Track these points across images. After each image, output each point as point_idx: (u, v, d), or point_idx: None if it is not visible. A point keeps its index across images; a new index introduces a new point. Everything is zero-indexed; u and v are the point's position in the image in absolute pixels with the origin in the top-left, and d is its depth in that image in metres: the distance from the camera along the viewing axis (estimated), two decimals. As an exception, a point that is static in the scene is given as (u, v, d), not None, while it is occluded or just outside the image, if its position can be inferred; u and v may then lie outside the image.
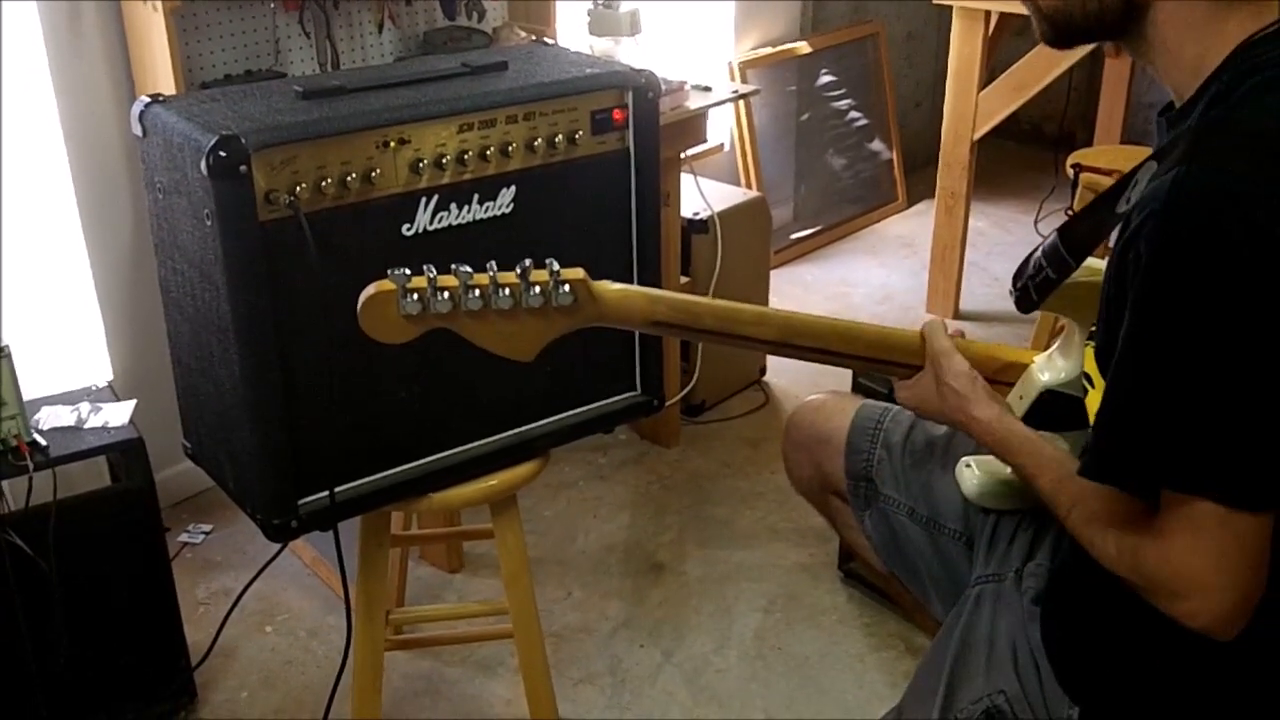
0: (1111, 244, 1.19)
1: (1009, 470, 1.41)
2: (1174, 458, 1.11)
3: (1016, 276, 1.37)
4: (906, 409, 1.53)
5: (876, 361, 1.52)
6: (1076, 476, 1.23)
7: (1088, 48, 3.27)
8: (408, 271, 1.28)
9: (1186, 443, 1.10)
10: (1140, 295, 1.10)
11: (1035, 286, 1.34)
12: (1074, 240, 1.28)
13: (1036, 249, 1.34)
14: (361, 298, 1.31)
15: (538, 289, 1.31)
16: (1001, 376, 1.50)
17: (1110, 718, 1.28)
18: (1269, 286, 1.05)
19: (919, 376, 1.47)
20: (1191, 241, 1.07)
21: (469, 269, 1.29)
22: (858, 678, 2.36)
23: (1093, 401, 1.26)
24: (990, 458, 1.46)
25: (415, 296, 1.28)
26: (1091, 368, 1.28)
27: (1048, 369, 1.44)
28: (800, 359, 1.51)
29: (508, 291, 1.30)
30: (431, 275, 1.28)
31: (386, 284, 1.30)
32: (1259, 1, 1.16)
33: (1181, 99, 1.22)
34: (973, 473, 1.53)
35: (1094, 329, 1.27)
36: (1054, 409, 1.43)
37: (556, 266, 1.31)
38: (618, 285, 1.39)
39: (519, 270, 1.30)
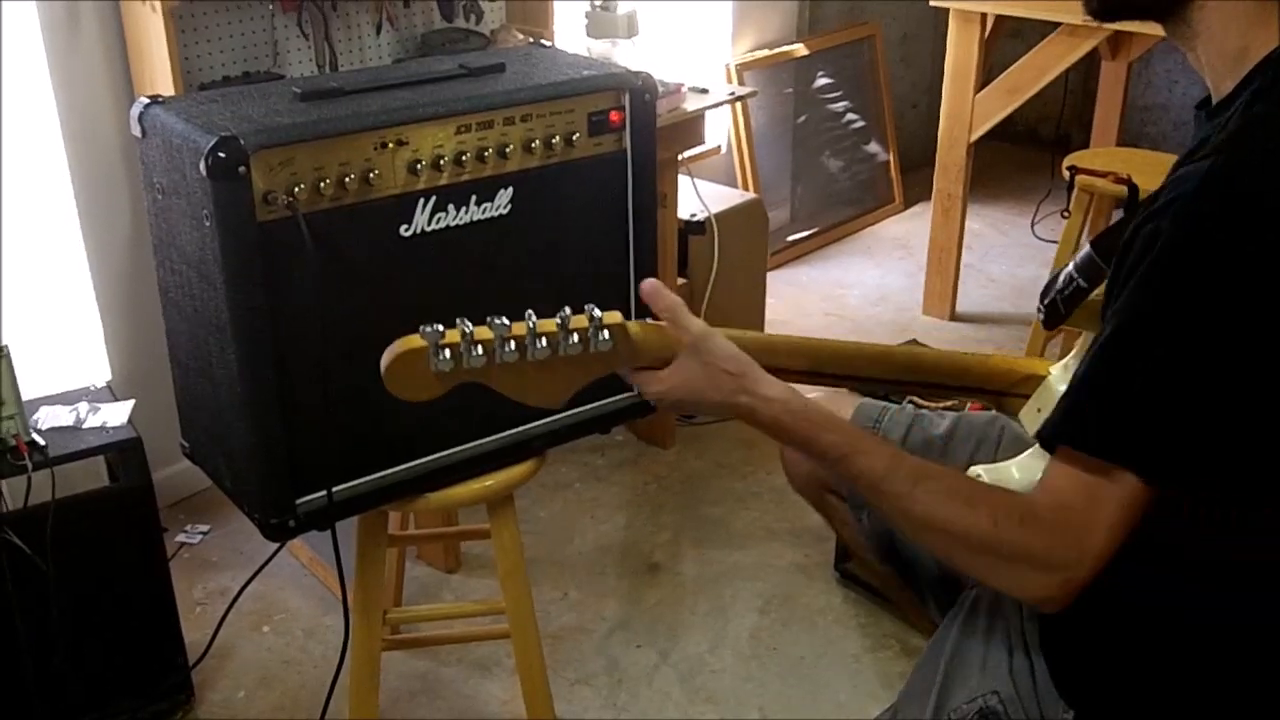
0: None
1: (1020, 477, 1.39)
2: (1136, 430, 1.11)
3: (1044, 293, 1.35)
4: (665, 404, 1.32)
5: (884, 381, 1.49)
6: (918, 459, 1.23)
7: (1086, 46, 3.28)
8: (440, 328, 1.19)
9: (1154, 419, 1.10)
10: (1154, 268, 1.09)
11: (1064, 299, 1.32)
12: (1108, 248, 1.26)
13: (1066, 264, 1.33)
14: (388, 356, 1.22)
15: (576, 336, 1.22)
16: (1018, 389, 1.47)
17: (1103, 717, 1.28)
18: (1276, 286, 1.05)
19: (675, 365, 1.28)
20: (1217, 227, 1.06)
21: (505, 320, 1.20)
22: (853, 677, 2.37)
23: None
24: (1002, 466, 1.40)
25: (448, 353, 1.20)
26: None
27: (1065, 379, 1.40)
28: (835, 386, 1.48)
29: (545, 342, 1.21)
30: (467, 329, 1.20)
31: (415, 340, 1.21)
32: None
33: (1219, 92, 1.21)
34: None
35: None
36: None
37: (598, 313, 1.23)
38: (650, 323, 1.30)
39: (559, 320, 1.22)
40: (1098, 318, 1.28)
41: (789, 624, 2.52)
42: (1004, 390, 1.45)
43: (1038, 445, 1.40)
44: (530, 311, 1.21)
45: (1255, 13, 1.17)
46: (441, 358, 1.19)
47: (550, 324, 1.21)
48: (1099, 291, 1.29)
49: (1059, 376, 1.42)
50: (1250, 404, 1.09)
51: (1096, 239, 1.30)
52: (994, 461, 1.62)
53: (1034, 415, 1.42)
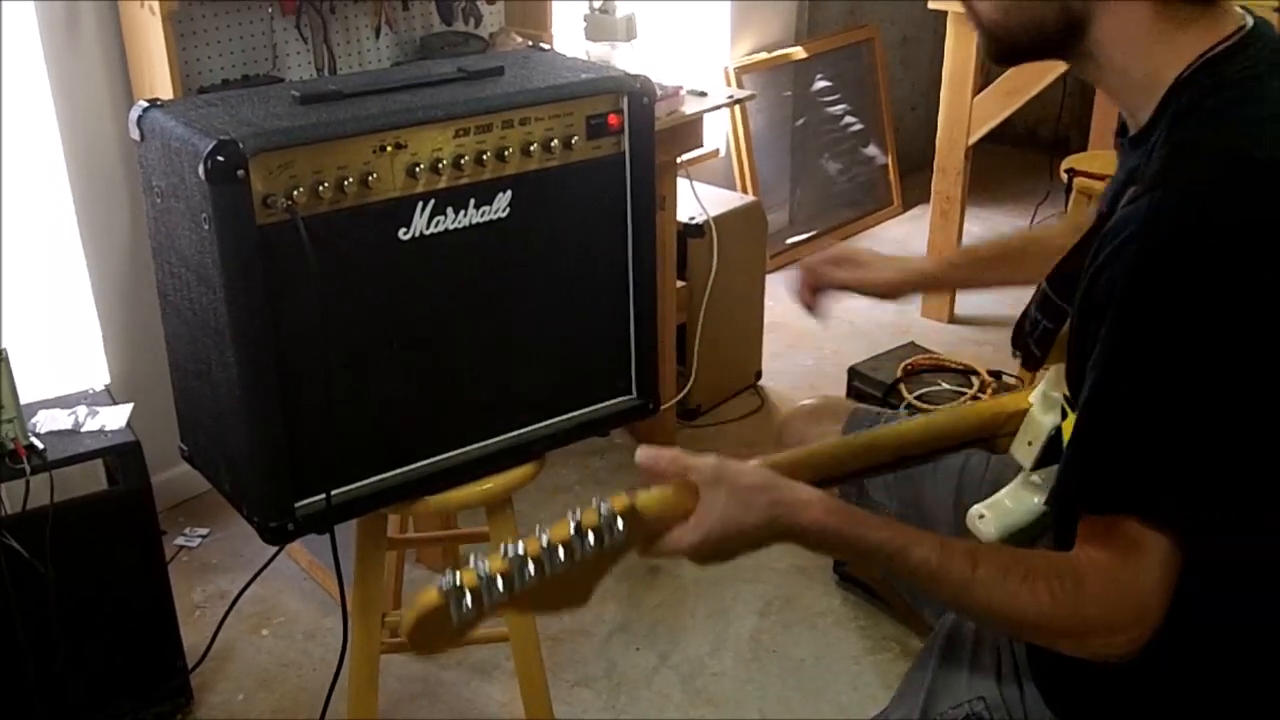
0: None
1: (1024, 511, 1.37)
2: (1154, 484, 1.10)
3: (1015, 337, 1.34)
4: (706, 552, 1.21)
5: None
6: (959, 539, 1.21)
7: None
8: (456, 577, 1.12)
9: (1168, 470, 1.09)
10: (1122, 321, 1.08)
11: (1036, 342, 1.30)
12: (1063, 285, 1.25)
13: (1029, 305, 1.31)
14: (408, 622, 1.14)
15: (592, 536, 1.16)
16: (1006, 428, 1.44)
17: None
18: (1250, 308, 1.04)
19: (702, 507, 1.20)
20: (1170, 265, 1.05)
21: (517, 545, 1.14)
22: (853, 680, 2.37)
23: (1068, 427, 1.22)
24: (997, 500, 1.39)
25: (469, 599, 1.12)
26: (1067, 391, 1.27)
27: (1049, 408, 1.38)
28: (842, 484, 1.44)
29: (562, 553, 1.15)
30: (482, 569, 1.12)
31: (431, 597, 1.12)
32: (1209, 17, 1.14)
33: (1137, 120, 1.20)
34: (988, 522, 1.41)
35: None
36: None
37: (605, 507, 1.17)
38: (655, 491, 1.22)
39: (572, 525, 1.16)
40: (1065, 349, 1.28)
41: (789, 626, 2.52)
42: (994, 434, 1.45)
43: (1025, 470, 1.40)
44: (538, 526, 1.16)
45: (1155, 39, 1.15)
46: (464, 608, 1.12)
47: (564, 530, 1.16)
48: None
49: (1040, 407, 1.40)
50: (1246, 426, 1.08)
51: (1051, 278, 1.27)
52: (985, 471, 1.63)
53: (1025, 449, 1.40)
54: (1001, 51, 1.26)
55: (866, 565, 1.25)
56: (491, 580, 1.12)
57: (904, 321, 3.92)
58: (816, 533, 1.20)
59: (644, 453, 1.23)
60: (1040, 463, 1.36)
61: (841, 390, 2.84)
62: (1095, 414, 1.11)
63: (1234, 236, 1.05)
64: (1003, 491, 1.40)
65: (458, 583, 1.12)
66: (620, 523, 1.17)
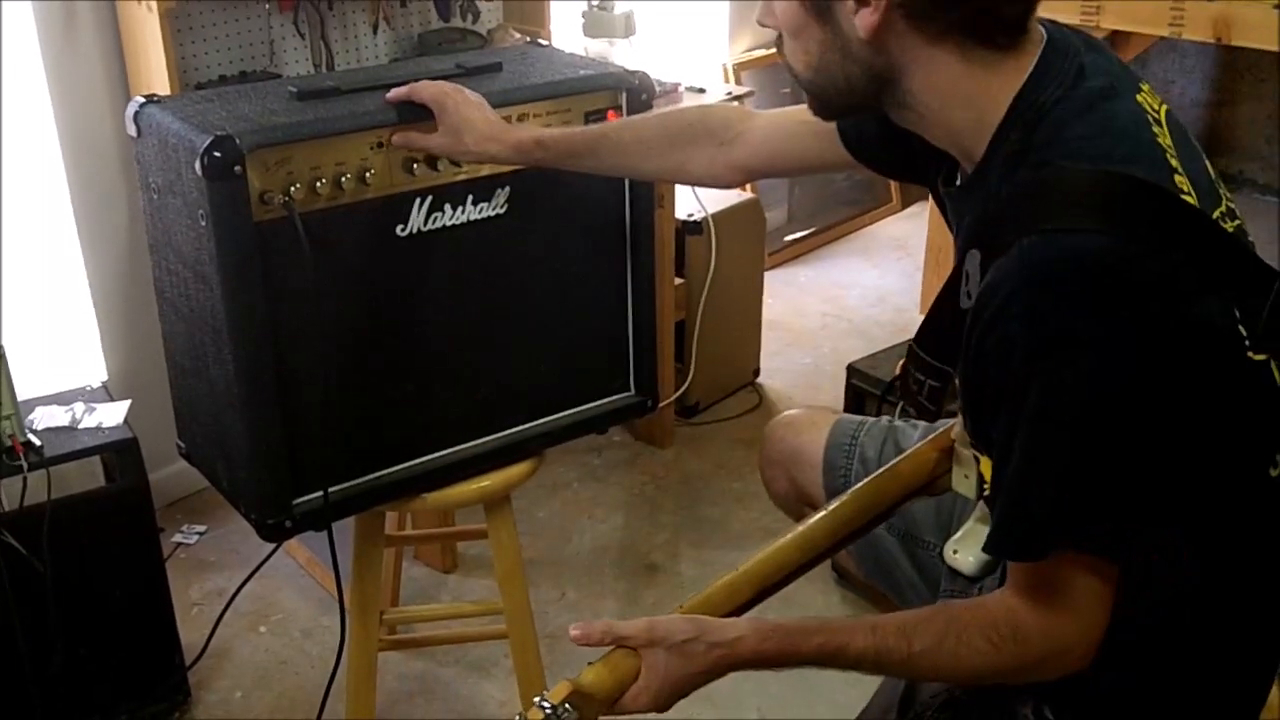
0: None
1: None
2: (1081, 519, 1.11)
3: (903, 396, 1.33)
4: (661, 704, 1.27)
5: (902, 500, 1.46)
6: (892, 615, 1.23)
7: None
8: None
9: (1092, 503, 1.11)
10: (1025, 372, 1.07)
11: (927, 397, 1.30)
12: (936, 346, 1.25)
13: (904, 365, 1.31)
14: None
15: None
16: (940, 468, 1.45)
17: (1063, 702, 1.29)
18: (1144, 327, 1.05)
19: (645, 671, 1.25)
20: (1061, 311, 1.05)
21: None
22: (850, 677, 2.35)
23: (986, 468, 1.22)
24: (966, 531, 1.39)
25: None
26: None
27: (965, 439, 1.36)
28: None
29: None
30: None
31: None
32: (1016, 56, 1.14)
33: (971, 161, 1.19)
34: (964, 555, 1.40)
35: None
36: None
37: (547, 702, 1.18)
38: (596, 667, 1.24)
39: None
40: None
41: (787, 624, 2.51)
42: (931, 478, 1.45)
43: (976, 503, 1.39)
44: None
45: (966, 84, 1.14)
46: None
47: None
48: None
49: (961, 438, 1.39)
50: (1163, 451, 1.09)
51: (920, 338, 1.28)
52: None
53: (964, 482, 1.40)
54: (823, 111, 1.28)
55: (819, 666, 1.28)
56: None
57: (903, 319, 3.92)
58: (756, 660, 1.25)
59: (576, 629, 1.26)
60: (981, 493, 1.36)
61: (840, 388, 2.83)
62: (1024, 468, 1.11)
63: (1108, 260, 1.04)
64: (968, 524, 1.41)
65: None
66: (568, 707, 1.19)
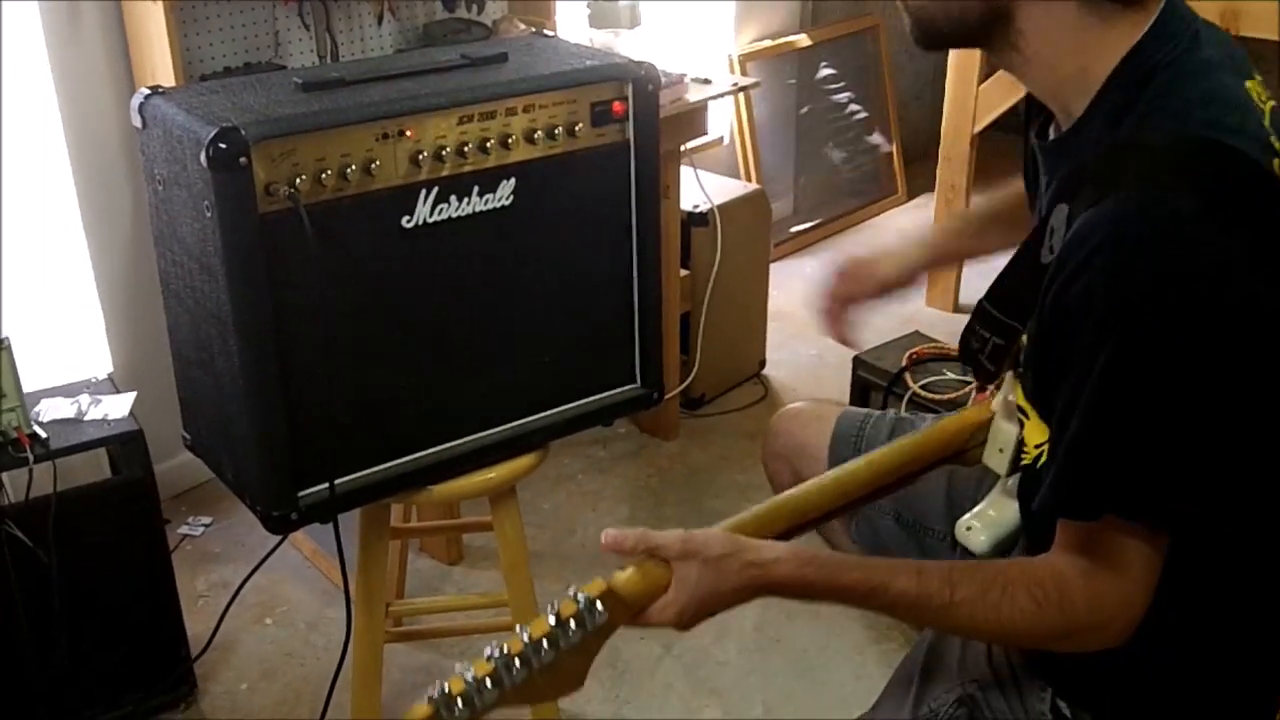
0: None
1: (1010, 519, 1.37)
2: (1145, 485, 1.10)
3: (963, 355, 1.32)
4: (686, 620, 1.25)
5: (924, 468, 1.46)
6: (937, 561, 1.23)
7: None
8: (444, 686, 1.13)
9: (1158, 470, 1.10)
10: (1104, 332, 1.07)
11: (988, 357, 1.29)
12: (1008, 302, 1.24)
13: (969, 324, 1.30)
14: None
15: (573, 624, 1.18)
16: (974, 440, 1.44)
17: (1079, 694, 1.28)
18: (1231, 300, 1.04)
19: (675, 582, 1.24)
20: (1148, 267, 1.04)
21: (499, 645, 1.16)
22: (856, 670, 2.37)
23: (1031, 433, 1.22)
24: (982, 510, 1.40)
25: (460, 704, 1.14)
26: (1023, 401, 1.26)
27: (1010, 415, 1.37)
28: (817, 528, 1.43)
29: (546, 645, 1.17)
30: (469, 676, 1.14)
31: (421, 711, 1.14)
32: (1134, 13, 1.13)
33: (1069, 117, 1.18)
34: (977, 533, 1.42)
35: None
36: None
37: (581, 595, 1.19)
38: (630, 571, 1.24)
39: (551, 617, 1.18)
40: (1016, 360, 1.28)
41: (793, 616, 2.52)
42: (963, 448, 1.44)
43: (1002, 479, 1.39)
44: (518, 626, 1.18)
45: (1083, 32, 1.13)
46: (457, 712, 1.14)
47: (544, 625, 1.18)
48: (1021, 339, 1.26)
49: (1002, 413, 1.39)
50: (1230, 431, 1.09)
51: (991, 296, 1.26)
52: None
53: (997, 456, 1.40)
54: (925, 39, 1.25)
55: (851, 605, 1.27)
56: (480, 684, 1.14)
57: (908, 310, 3.91)
58: (793, 585, 1.24)
59: (609, 535, 1.25)
60: (1014, 468, 1.36)
61: (845, 380, 2.83)
62: (1088, 423, 1.10)
63: (1201, 228, 1.04)
64: (985, 501, 1.41)
65: (446, 691, 1.13)
66: (600, 605, 1.19)
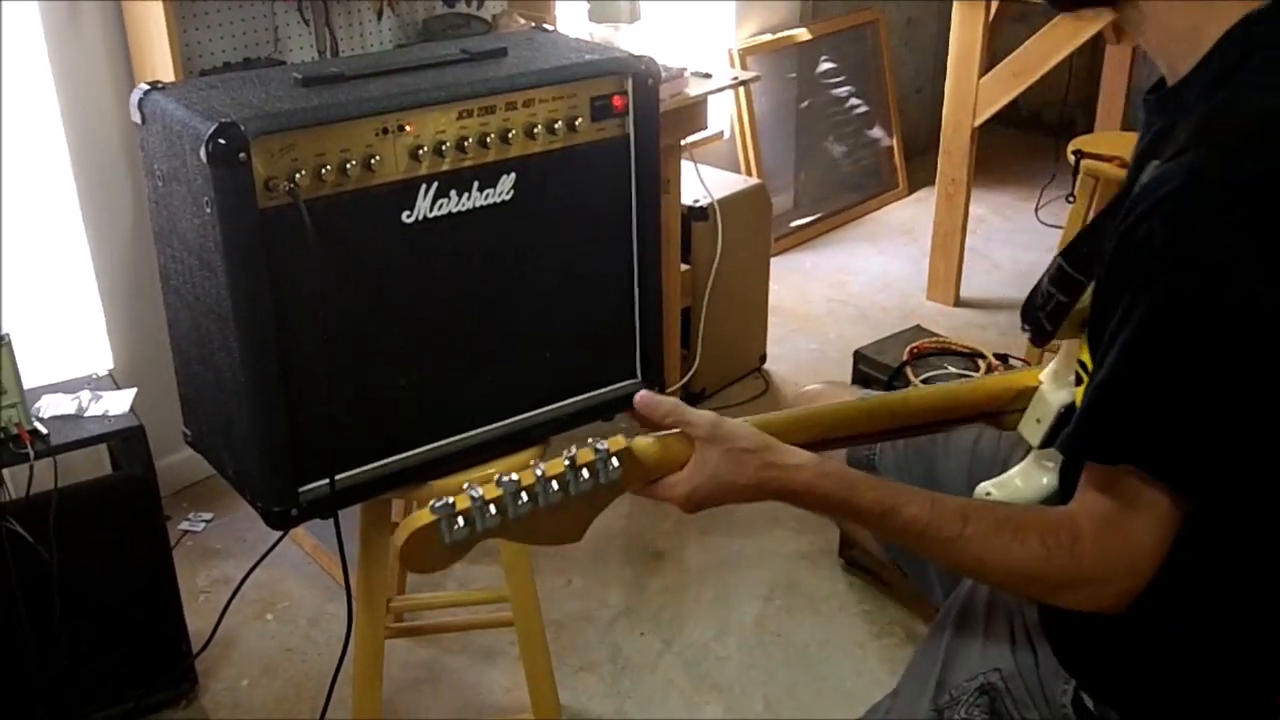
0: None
1: (1033, 490, 1.37)
2: (1166, 438, 1.10)
3: (1025, 312, 1.33)
4: (694, 504, 1.26)
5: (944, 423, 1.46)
6: (952, 496, 1.23)
7: (1090, 29, 3.26)
8: (450, 500, 1.15)
9: (1182, 425, 1.10)
10: (1155, 273, 1.08)
11: (1048, 315, 1.29)
12: (1080, 258, 1.25)
13: (1040, 280, 1.31)
14: (399, 538, 1.17)
15: (585, 472, 1.20)
16: (1014, 405, 1.45)
17: (1103, 688, 1.28)
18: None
19: (695, 462, 1.25)
20: (1212, 224, 1.05)
21: (512, 475, 1.17)
22: (857, 665, 2.37)
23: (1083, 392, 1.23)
24: (1007, 479, 1.40)
25: (461, 521, 1.16)
26: (1085, 356, 1.27)
27: (1059, 386, 1.39)
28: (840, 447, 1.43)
29: (555, 485, 1.19)
30: (476, 494, 1.16)
31: (424, 516, 1.16)
32: None
33: (1175, 74, 1.20)
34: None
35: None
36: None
37: (603, 444, 1.21)
38: (653, 437, 1.26)
39: (566, 460, 1.19)
40: (1078, 327, 1.28)
41: (793, 611, 2.52)
42: (1001, 409, 1.44)
43: (1035, 450, 1.39)
44: (535, 460, 1.20)
45: None
46: (455, 529, 1.16)
47: (558, 465, 1.19)
48: (1081, 302, 1.27)
49: (1049, 385, 1.40)
50: (1267, 397, 1.08)
51: (1066, 251, 1.27)
52: (998, 448, 1.62)
53: (1034, 426, 1.41)
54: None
55: (859, 525, 1.28)
56: (484, 505, 1.16)
57: (909, 305, 3.92)
58: (807, 494, 1.24)
59: (644, 396, 1.27)
60: (1048, 441, 1.37)
61: (846, 374, 2.83)
62: (1122, 363, 1.11)
63: (1270, 195, 1.05)
64: (1013, 470, 1.40)
65: (451, 504, 1.15)
66: (615, 461, 1.21)
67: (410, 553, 1.17)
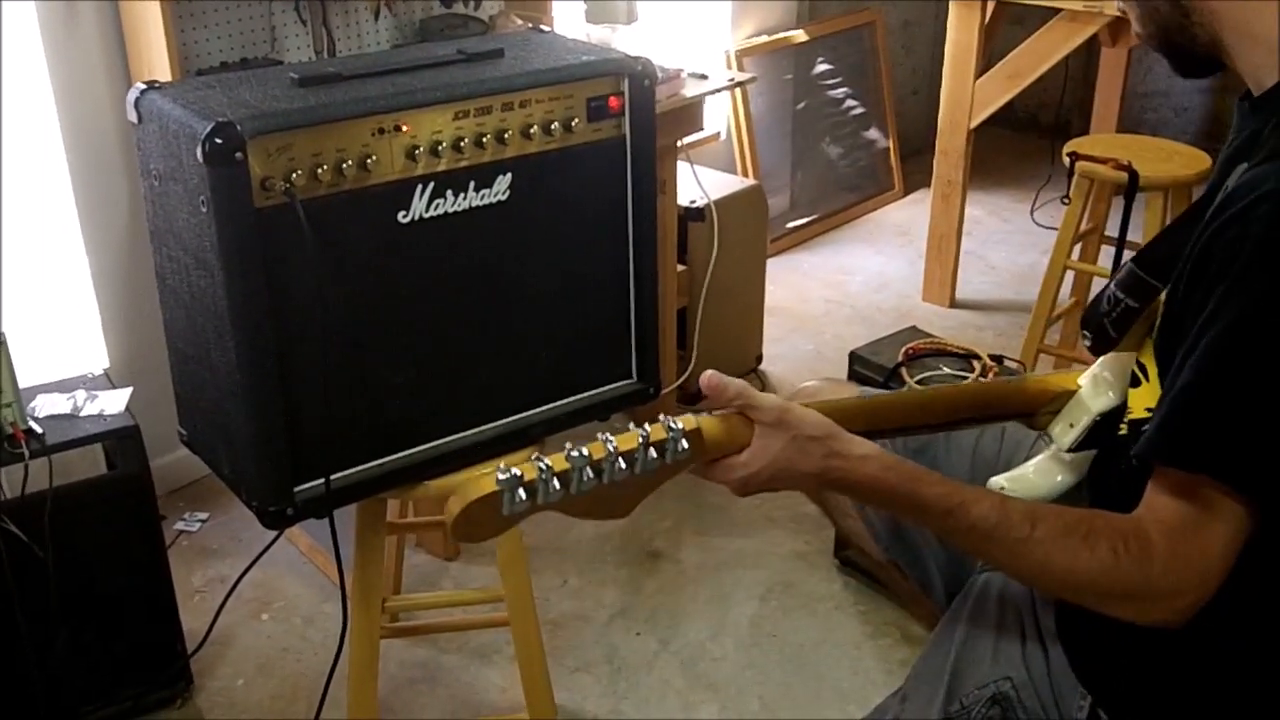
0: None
1: (1047, 486, 1.37)
2: (1253, 448, 1.08)
3: (1087, 319, 1.32)
4: (753, 488, 1.27)
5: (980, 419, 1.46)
6: (1022, 499, 1.22)
7: (1085, 32, 3.23)
8: (516, 471, 1.12)
9: (1271, 434, 1.07)
10: (1248, 274, 1.05)
11: (1114, 323, 1.28)
12: (1155, 263, 1.23)
13: (1106, 287, 1.29)
14: (455, 508, 1.13)
15: (654, 451, 1.18)
16: (1049, 407, 1.44)
17: (1123, 706, 1.27)
18: None
19: (758, 445, 1.24)
20: None
21: (583, 450, 1.15)
22: (853, 665, 2.37)
23: (1143, 394, 1.21)
24: (1020, 473, 1.39)
25: (524, 493, 1.12)
26: (1148, 359, 1.25)
27: (1098, 393, 1.37)
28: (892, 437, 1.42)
29: (623, 463, 1.17)
30: (544, 465, 1.13)
31: (485, 485, 1.12)
32: None
33: (1262, 84, 1.18)
34: (1008, 494, 1.40)
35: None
36: (1103, 434, 1.36)
37: (676, 423, 1.19)
38: (718, 415, 1.26)
39: (640, 436, 1.18)
40: (1139, 338, 1.27)
41: (790, 611, 2.52)
42: (1037, 410, 1.44)
43: (1052, 447, 1.39)
44: (606, 435, 1.18)
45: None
46: (518, 500, 1.13)
47: (631, 439, 1.18)
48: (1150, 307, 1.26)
49: (1089, 391, 1.38)
50: None
51: (1139, 257, 1.26)
52: (1000, 449, 1.62)
53: (1065, 429, 1.40)
54: (1180, 66, 1.27)
55: (922, 522, 1.26)
56: (551, 477, 1.13)
57: (905, 306, 3.92)
58: (868, 485, 1.23)
59: (710, 376, 1.26)
60: (1080, 445, 1.36)
61: (842, 375, 2.83)
62: (1209, 366, 1.09)
63: None
64: (1029, 464, 1.40)
65: (519, 476, 1.12)
66: (685, 442, 1.19)
67: (464, 521, 1.13)
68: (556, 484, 1.14)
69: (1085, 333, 1.34)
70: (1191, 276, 1.12)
